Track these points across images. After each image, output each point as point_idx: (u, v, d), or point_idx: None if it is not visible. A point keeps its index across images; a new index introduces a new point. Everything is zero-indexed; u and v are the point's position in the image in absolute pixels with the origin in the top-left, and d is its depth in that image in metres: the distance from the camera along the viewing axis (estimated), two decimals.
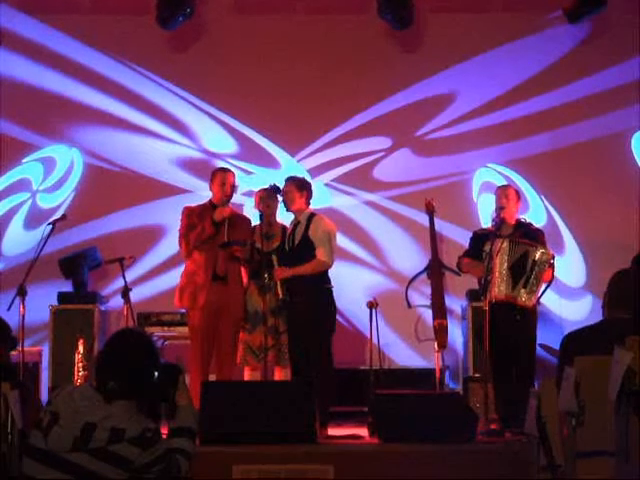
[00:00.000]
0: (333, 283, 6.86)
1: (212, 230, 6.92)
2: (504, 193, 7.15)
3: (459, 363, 8.57)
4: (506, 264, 6.75)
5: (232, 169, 7.48)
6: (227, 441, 5.84)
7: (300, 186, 7.00)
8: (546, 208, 8.97)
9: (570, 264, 8.87)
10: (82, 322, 8.09)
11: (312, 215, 6.99)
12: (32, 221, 8.89)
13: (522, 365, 6.84)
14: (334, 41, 8.98)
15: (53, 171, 9.01)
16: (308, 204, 7.03)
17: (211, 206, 7.10)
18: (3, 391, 4.36)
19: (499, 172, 8.99)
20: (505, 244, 6.76)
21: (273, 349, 6.95)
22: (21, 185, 9.01)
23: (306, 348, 6.77)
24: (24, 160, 8.98)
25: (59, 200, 8.94)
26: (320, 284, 6.85)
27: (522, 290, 6.75)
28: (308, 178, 7.50)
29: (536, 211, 8.87)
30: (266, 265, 6.91)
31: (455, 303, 8.58)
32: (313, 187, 7.15)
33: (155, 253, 8.72)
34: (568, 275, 8.81)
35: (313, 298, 6.80)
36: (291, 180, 7.08)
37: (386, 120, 9.06)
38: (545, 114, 9.00)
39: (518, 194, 7.24)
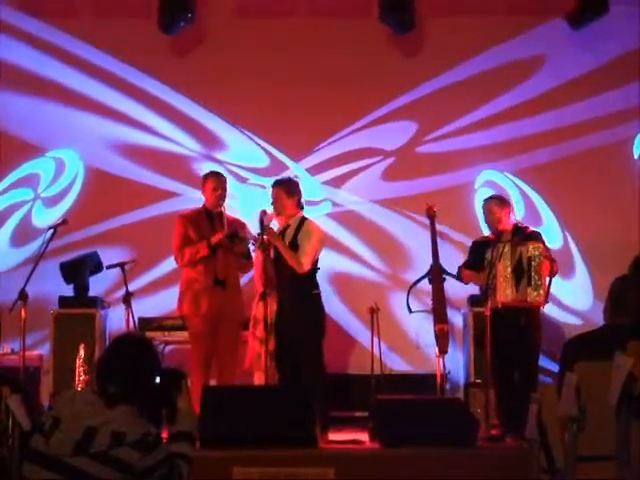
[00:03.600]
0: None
1: (207, 252, 6.92)
2: (485, 210, 7.20)
3: (459, 369, 8.55)
4: (509, 268, 6.76)
5: (223, 173, 7.47)
6: (228, 445, 5.84)
7: (289, 191, 6.94)
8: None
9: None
10: (83, 326, 8.07)
11: (303, 219, 6.97)
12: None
13: (525, 371, 6.84)
14: (335, 45, 8.97)
15: (61, 176, 9.00)
16: (298, 206, 7.00)
17: (204, 211, 7.11)
18: (3, 395, 4.37)
19: (504, 176, 9.01)
20: (507, 248, 6.78)
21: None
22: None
23: (296, 354, 6.75)
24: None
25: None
26: (308, 290, 6.83)
27: (529, 289, 6.76)
28: (301, 177, 7.44)
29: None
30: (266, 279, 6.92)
31: (456, 308, 8.57)
32: (302, 187, 7.12)
33: (157, 258, 8.71)
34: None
35: (302, 304, 6.79)
36: (279, 185, 7.01)
37: (388, 125, 9.06)
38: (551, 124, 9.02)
39: (502, 202, 7.22)
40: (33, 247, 8.52)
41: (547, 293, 6.83)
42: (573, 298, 8.81)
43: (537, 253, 6.77)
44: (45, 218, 8.79)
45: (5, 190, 8.98)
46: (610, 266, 5.92)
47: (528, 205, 8.97)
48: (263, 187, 8.60)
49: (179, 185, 8.95)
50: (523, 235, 7.03)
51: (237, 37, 9.03)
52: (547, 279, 6.80)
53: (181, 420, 3.71)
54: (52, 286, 8.32)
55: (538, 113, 8.99)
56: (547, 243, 7.09)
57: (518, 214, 8.68)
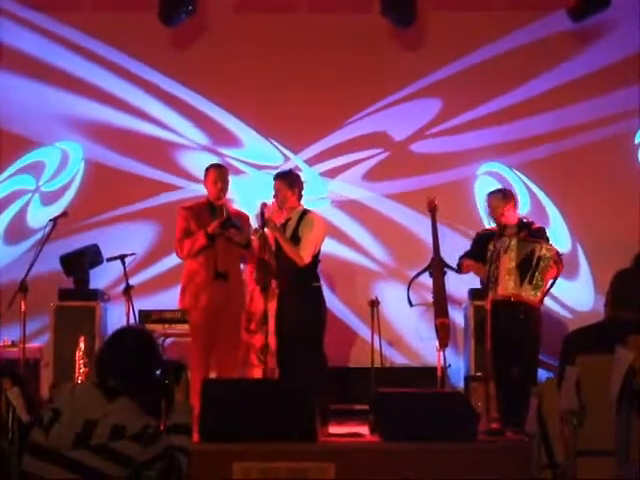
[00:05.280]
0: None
1: (204, 241, 6.89)
2: (487, 204, 7.20)
3: (460, 368, 8.53)
4: (514, 262, 6.76)
5: (224, 165, 7.47)
6: (227, 439, 5.84)
7: (291, 184, 6.92)
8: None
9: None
10: (83, 319, 8.08)
11: (305, 212, 6.95)
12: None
13: (524, 364, 6.85)
14: (336, 39, 8.96)
15: (64, 168, 8.99)
16: (300, 199, 6.99)
17: (207, 203, 7.09)
18: (3, 387, 4.37)
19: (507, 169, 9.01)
20: (514, 242, 6.80)
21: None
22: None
23: (297, 347, 6.73)
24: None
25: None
26: (308, 282, 6.82)
27: (527, 286, 6.76)
28: (301, 169, 7.41)
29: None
30: (266, 271, 6.90)
31: (457, 304, 8.55)
32: (304, 180, 7.11)
33: (157, 250, 8.71)
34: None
35: (302, 297, 6.78)
36: (281, 178, 6.99)
37: (389, 118, 9.05)
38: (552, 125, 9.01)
39: (505, 196, 7.19)
40: (25, 246, 8.56)
41: (544, 295, 6.85)
42: (576, 297, 8.79)
43: (548, 255, 6.77)
44: (41, 217, 8.60)
45: (8, 177, 8.97)
46: (613, 265, 5.90)
47: (533, 201, 8.96)
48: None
49: (181, 177, 8.94)
50: (529, 231, 7.02)
51: (237, 30, 9.02)
52: (550, 282, 6.82)
53: (178, 412, 3.70)
54: (51, 277, 8.31)
55: (540, 110, 8.96)
56: (551, 240, 7.11)
57: (522, 209, 8.70)
